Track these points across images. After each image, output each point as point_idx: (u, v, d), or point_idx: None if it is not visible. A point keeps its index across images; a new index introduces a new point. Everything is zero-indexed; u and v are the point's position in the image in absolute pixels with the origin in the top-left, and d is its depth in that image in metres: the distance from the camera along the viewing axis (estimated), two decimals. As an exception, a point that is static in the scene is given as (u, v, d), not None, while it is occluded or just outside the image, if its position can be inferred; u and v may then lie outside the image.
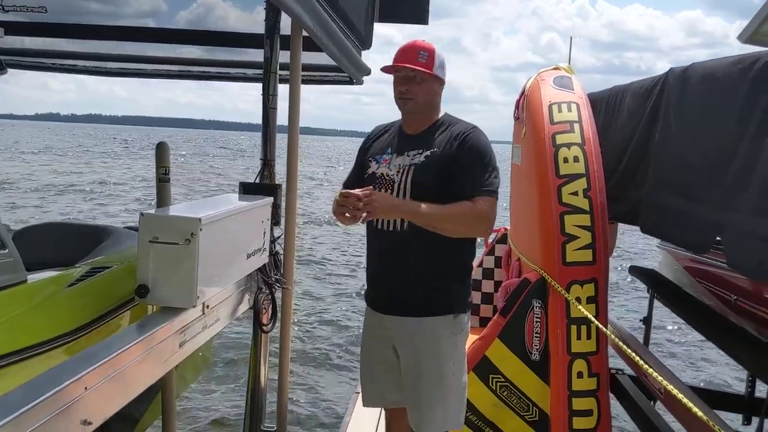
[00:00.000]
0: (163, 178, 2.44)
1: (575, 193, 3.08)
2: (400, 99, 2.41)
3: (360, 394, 3.60)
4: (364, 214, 2.19)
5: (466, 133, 2.36)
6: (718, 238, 2.53)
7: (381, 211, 2.23)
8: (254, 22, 3.57)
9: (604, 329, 2.87)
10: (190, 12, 3.72)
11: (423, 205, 2.24)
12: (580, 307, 2.90)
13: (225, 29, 3.68)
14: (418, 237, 2.31)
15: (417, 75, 2.37)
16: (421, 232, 2.32)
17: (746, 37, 4.81)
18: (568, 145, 3.15)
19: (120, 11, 3.92)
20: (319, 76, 4.12)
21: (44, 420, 1.34)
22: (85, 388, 1.48)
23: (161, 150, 2.44)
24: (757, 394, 4.06)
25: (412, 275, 2.38)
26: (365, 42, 3.41)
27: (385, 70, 2.42)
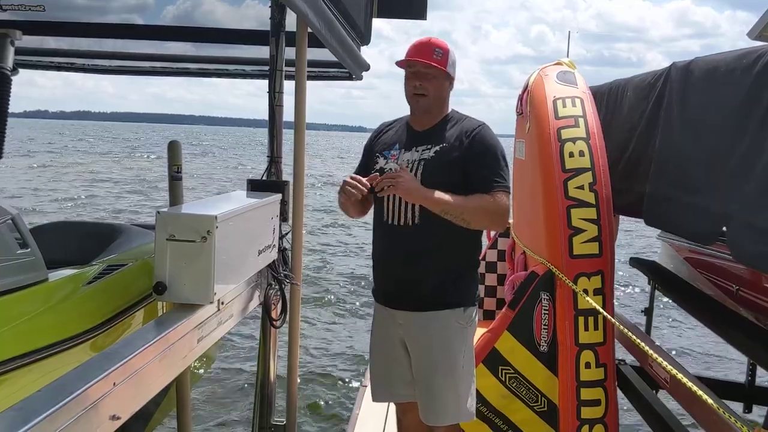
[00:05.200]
0: (175, 176, 2.46)
1: (581, 187, 3.11)
2: (415, 95, 2.40)
3: (368, 388, 3.62)
4: (385, 188, 2.21)
5: (476, 129, 2.39)
6: (723, 229, 2.56)
7: (405, 190, 2.22)
8: (249, 18, 3.55)
9: (612, 320, 2.91)
10: (182, 9, 3.70)
11: (445, 194, 2.24)
12: (588, 298, 2.93)
13: (219, 26, 3.65)
14: (429, 232, 2.32)
15: (430, 71, 2.37)
16: (431, 227, 2.35)
17: (756, 34, 4.84)
18: (574, 140, 3.18)
19: (107, 6, 3.89)
20: (318, 72, 4.10)
21: (77, 416, 1.36)
22: (114, 384, 1.50)
23: (173, 148, 2.46)
24: (758, 382, 4.11)
25: (424, 270, 2.39)
26: (364, 38, 3.41)
27: (400, 64, 2.43)
